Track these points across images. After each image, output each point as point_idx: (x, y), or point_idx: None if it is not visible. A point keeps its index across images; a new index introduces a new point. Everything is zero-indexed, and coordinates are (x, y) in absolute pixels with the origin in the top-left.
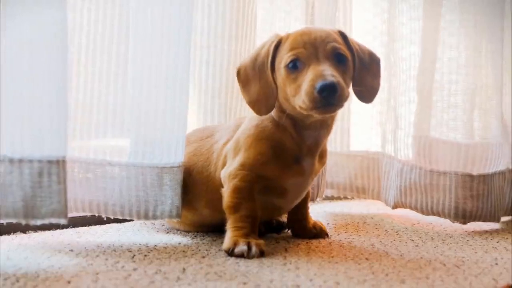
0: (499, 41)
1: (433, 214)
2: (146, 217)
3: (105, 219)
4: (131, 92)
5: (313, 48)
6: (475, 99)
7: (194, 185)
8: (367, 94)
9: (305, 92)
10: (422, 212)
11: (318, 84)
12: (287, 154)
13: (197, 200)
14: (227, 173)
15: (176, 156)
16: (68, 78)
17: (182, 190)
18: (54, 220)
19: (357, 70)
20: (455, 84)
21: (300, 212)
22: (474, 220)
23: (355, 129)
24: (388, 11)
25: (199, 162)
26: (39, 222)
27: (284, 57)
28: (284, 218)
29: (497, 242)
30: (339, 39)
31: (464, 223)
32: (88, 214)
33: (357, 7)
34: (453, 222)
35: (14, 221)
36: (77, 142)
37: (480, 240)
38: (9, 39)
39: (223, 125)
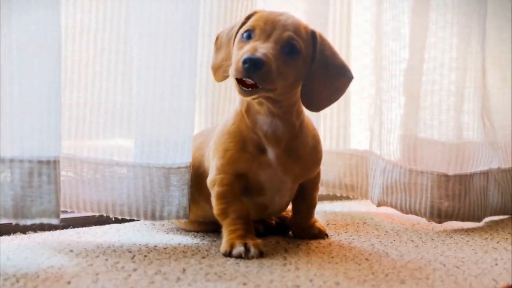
0: (481, 42)
1: (411, 213)
2: (153, 217)
3: (107, 218)
4: (137, 91)
5: (271, 28)
6: (459, 99)
7: (195, 178)
8: (311, 101)
9: (235, 60)
10: (402, 211)
11: (245, 55)
12: (248, 143)
13: (198, 193)
14: (209, 180)
15: (183, 156)
16: (61, 79)
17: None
18: (45, 220)
19: (312, 73)
20: (439, 84)
21: (302, 217)
22: (450, 219)
23: (347, 128)
24: (377, 13)
25: (199, 157)
26: (29, 222)
27: (244, 27)
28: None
29: (497, 243)
30: (304, 35)
31: (440, 222)
32: (97, 214)
33: (358, 7)
34: (429, 221)
35: (4, 220)
36: (85, 142)
37: (480, 241)
38: None
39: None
